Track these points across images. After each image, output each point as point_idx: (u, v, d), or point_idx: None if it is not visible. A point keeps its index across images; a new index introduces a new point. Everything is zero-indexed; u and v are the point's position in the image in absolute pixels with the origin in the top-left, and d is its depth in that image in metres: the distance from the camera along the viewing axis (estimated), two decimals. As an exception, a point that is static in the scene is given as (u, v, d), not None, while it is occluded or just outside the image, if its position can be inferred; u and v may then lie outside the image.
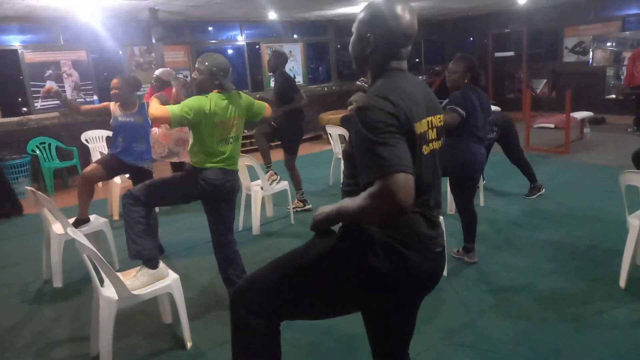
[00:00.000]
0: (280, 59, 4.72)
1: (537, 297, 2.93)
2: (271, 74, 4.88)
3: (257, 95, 9.50)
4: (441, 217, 3.26)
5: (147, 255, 2.51)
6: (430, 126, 1.39)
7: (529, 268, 3.32)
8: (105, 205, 5.09)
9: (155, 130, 4.00)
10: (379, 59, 1.42)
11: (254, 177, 4.44)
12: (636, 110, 7.82)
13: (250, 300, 1.49)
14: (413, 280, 1.40)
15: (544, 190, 4.91)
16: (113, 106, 3.72)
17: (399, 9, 1.36)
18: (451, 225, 3.53)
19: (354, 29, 1.46)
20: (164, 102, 2.77)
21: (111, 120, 3.73)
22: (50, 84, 3.43)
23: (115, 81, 3.66)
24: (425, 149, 1.38)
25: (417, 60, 12.22)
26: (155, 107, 2.58)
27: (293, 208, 4.82)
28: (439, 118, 1.45)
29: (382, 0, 1.39)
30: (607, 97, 9.65)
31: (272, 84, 9.23)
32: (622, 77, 9.93)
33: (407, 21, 1.38)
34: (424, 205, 1.40)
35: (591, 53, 9.82)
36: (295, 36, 10.08)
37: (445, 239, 3.23)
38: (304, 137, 5.06)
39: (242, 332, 1.49)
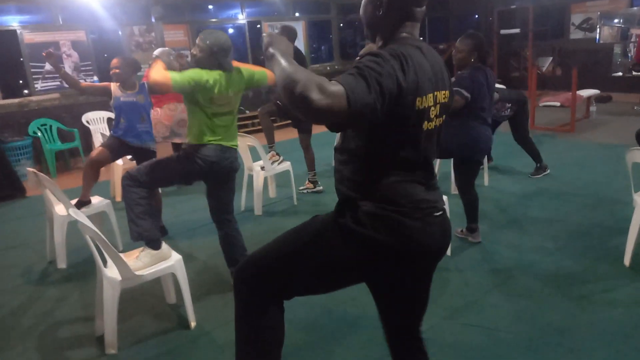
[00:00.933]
0: (289, 34, 4.58)
1: (541, 276, 2.92)
2: None
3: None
4: (445, 197, 3.26)
5: (149, 236, 2.50)
6: (435, 102, 1.34)
7: (534, 247, 3.30)
8: (108, 186, 5.09)
9: (157, 110, 3.97)
10: (393, 21, 1.37)
11: (256, 158, 4.41)
12: None
13: (252, 279, 1.48)
14: (418, 249, 1.37)
15: (549, 170, 4.86)
16: (114, 87, 3.68)
17: None
18: (455, 205, 3.51)
19: None
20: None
21: (112, 101, 3.69)
22: (51, 50, 3.41)
23: (115, 61, 3.61)
24: (427, 125, 1.34)
25: (421, 38, 12.03)
26: (156, 71, 2.50)
27: (303, 189, 4.80)
28: (444, 94, 1.39)
29: None
30: (614, 74, 9.50)
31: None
32: (630, 55, 9.76)
33: None
34: (421, 176, 1.39)
35: (598, 30, 9.63)
36: (297, 14, 9.92)
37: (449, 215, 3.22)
38: None
39: (245, 310, 1.49)
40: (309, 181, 4.83)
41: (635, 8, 9.14)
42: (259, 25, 9.28)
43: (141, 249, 2.50)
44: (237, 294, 1.51)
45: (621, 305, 2.56)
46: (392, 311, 1.57)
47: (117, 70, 3.57)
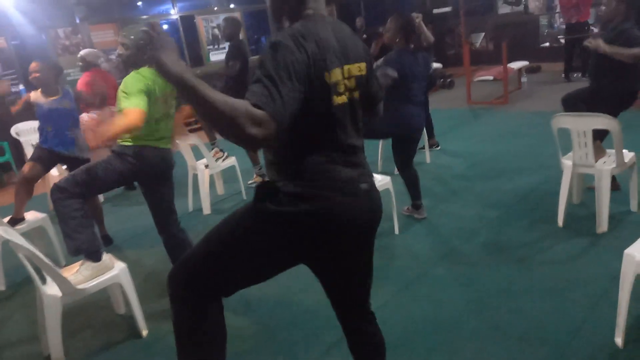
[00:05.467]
0: (235, 26, 4.51)
1: (483, 244, 3.06)
2: (227, 43, 4.68)
3: (198, 71, 9.12)
4: (389, 178, 3.33)
5: (87, 249, 2.39)
6: (346, 75, 1.36)
7: (475, 217, 3.45)
8: (45, 200, 4.82)
9: (83, 116, 3.78)
10: (294, 4, 1.38)
11: (199, 156, 4.33)
12: (565, 57, 8.06)
13: (184, 281, 1.46)
14: (342, 222, 1.36)
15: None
16: (34, 94, 3.47)
17: None
18: (400, 184, 3.59)
19: None
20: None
21: (36, 109, 3.49)
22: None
23: (34, 65, 3.39)
24: (337, 99, 1.34)
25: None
26: (124, 119, 2.34)
27: (252, 183, 4.76)
28: (358, 67, 1.41)
29: None
30: (541, 45, 9.96)
31: (212, 57, 8.99)
32: (556, 25, 10.24)
33: None
34: (342, 155, 1.38)
35: (524, 2, 10.04)
36: (232, 5, 9.74)
37: (393, 199, 3.28)
38: None
39: (182, 314, 1.46)
40: (257, 175, 4.80)
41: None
42: (195, 20, 9.03)
43: (80, 262, 2.40)
44: (172, 299, 1.48)
45: (556, 263, 2.73)
46: (334, 288, 1.56)
47: (36, 74, 3.36)
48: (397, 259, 3.02)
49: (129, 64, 2.55)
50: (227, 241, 1.43)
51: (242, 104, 1.09)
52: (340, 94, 1.35)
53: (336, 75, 1.32)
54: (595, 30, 8.10)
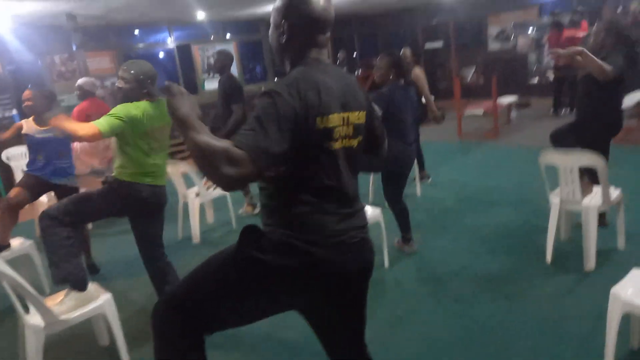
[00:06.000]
0: (226, 59, 4.63)
1: (472, 279, 3.05)
2: (218, 74, 4.79)
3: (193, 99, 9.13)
4: (379, 210, 3.33)
5: (74, 278, 2.36)
6: (344, 122, 1.37)
7: (465, 252, 3.45)
8: (31, 226, 4.78)
9: (76, 145, 3.77)
10: (296, 48, 1.41)
11: (190, 184, 4.33)
12: (554, 93, 8.26)
13: (170, 311, 1.45)
14: (329, 276, 1.37)
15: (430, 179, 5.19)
16: (27, 123, 3.46)
17: None
18: (391, 216, 3.60)
19: (270, 20, 1.45)
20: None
21: (26, 138, 3.48)
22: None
23: (27, 93, 3.38)
24: (333, 145, 1.35)
25: (354, 55, 12.39)
26: (79, 127, 2.39)
27: (242, 212, 4.75)
28: (357, 115, 1.42)
29: None
30: (530, 82, 10.19)
31: (207, 86, 9.10)
32: (544, 62, 10.52)
33: (321, 6, 1.38)
34: (334, 205, 1.38)
35: (514, 39, 10.34)
36: (227, 36, 9.92)
37: (384, 232, 3.27)
38: None
39: (163, 346, 1.46)
40: (248, 204, 4.79)
41: (545, 18, 9.89)
42: (191, 49, 9.16)
43: (65, 291, 2.36)
44: (154, 326, 1.47)
45: (544, 300, 2.73)
46: (325, 335, 1.56)
47: (30, 103, 3.35)
48: (386, 294, 3.00)
49: (127, 98, 2.58)
50: (212, 279, 1.44)
51: (223, 146, 1.15)
52: (335, 140, 1.35)
53: (334, 120, 1.33)
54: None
